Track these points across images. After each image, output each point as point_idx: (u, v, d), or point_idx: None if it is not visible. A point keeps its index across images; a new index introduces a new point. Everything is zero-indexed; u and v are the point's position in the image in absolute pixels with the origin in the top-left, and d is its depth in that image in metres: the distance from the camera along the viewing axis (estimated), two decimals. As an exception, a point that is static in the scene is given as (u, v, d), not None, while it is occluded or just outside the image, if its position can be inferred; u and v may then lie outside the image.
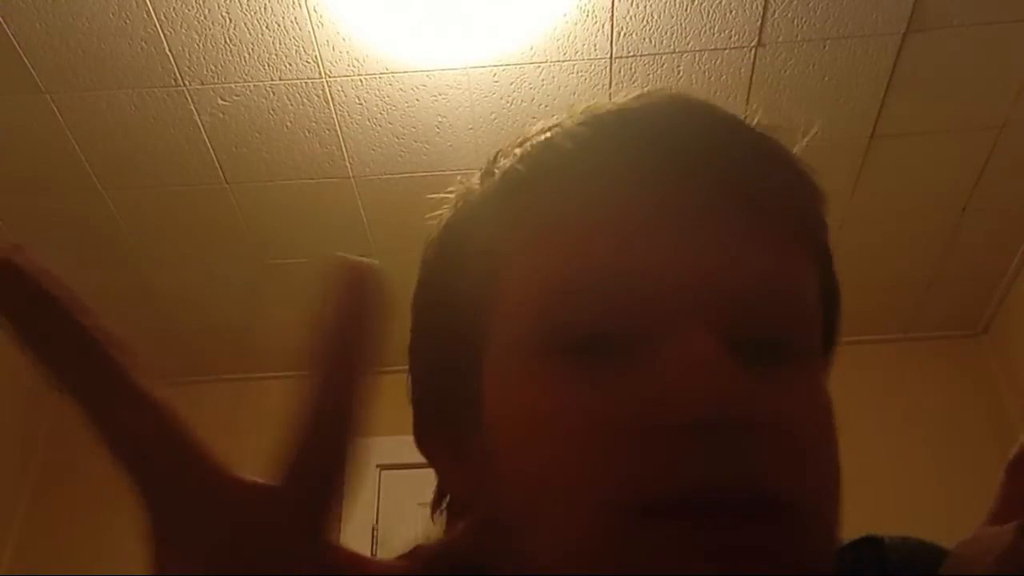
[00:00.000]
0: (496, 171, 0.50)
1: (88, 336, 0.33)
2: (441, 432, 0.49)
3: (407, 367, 0.53)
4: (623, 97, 0.49)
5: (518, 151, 0.50)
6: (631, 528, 0.38)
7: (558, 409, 0.41)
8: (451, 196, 0.52)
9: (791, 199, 0.47)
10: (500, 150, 0.52)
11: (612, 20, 2.04)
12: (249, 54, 2.07)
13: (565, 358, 0.42)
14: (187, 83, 2.13)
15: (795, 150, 0.51)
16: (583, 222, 0.44)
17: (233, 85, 2.14)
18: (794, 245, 0.46)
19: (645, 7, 2.02)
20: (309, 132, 2.26)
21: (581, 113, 0.49)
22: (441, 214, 0.52)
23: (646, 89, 0.49)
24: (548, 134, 0.49)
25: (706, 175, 0.44)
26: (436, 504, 0.52)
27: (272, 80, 2.13)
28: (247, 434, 2.98)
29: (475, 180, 0.51)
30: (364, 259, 0.33)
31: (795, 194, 0.48)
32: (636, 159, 0.45)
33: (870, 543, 0.55)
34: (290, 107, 2.19)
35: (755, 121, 0.51)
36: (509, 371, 0.44)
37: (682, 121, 0.47)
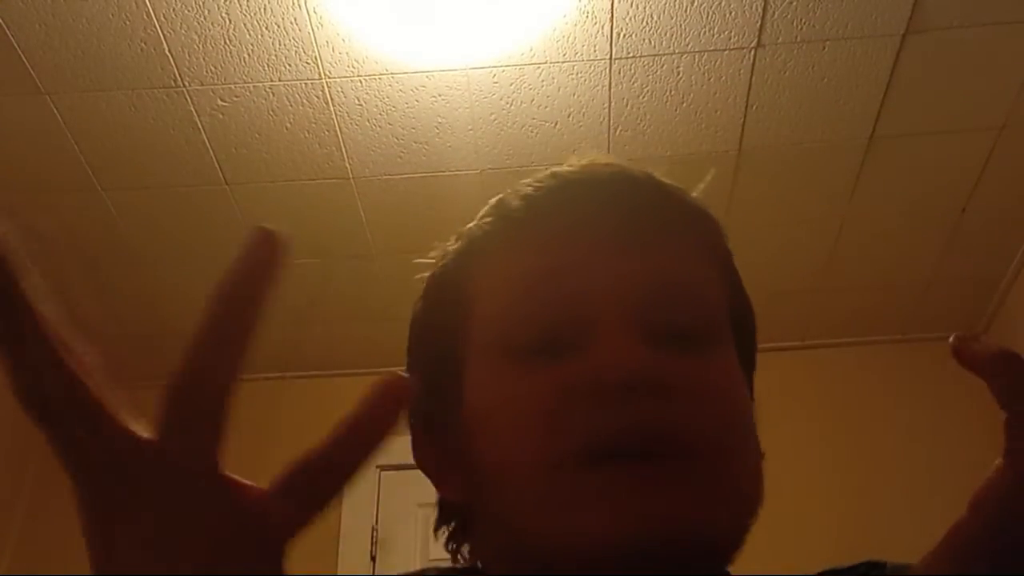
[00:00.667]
0: (466, 233, 0.63)
1: (15, 289, 0.36)
2: (433, 446, 0.60)
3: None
4: (576, 165, 0.62)
5: (484, 212, 0.63)
6: (575, 475, 0.50)
7: (514, 397, 0.54)
8: (435, 253, 0.65)
9: (694, 226, 0.61)
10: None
11: (612, 21, 2.04)
12: (249, 55, 2.07)
13: (520, 359, 0.54)
14: (187, 84, 2.13)
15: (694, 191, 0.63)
16: (530, 257, 0.58)
17: (233, 86, 2.14)
18: (697, 258, 0.59)
19: (645, 8, 2.02)
20: (309, 133, 2.26)
21: (537, 181, 0.62)
22: (426, 272, 0.65)
23: (588, 160, 0.63)
24: (502, 197, 0.62)
25: (625, 212, 0.58)
26: (440, 522, 0.62)
27: (272, 81, 2.13)
28: (247, 434, 2.98)
29: (451, 242, 0.64)
30: (275, 231, 0.37)
31: (697, 222, 0.61)
32: (571, 210, 0.58)
33: (872, 567, 0.59)
34: (290, 108, 2.20)
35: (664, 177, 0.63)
36: (480, 375, 0.57)
37: (607, 179, 0.60)
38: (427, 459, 0.61)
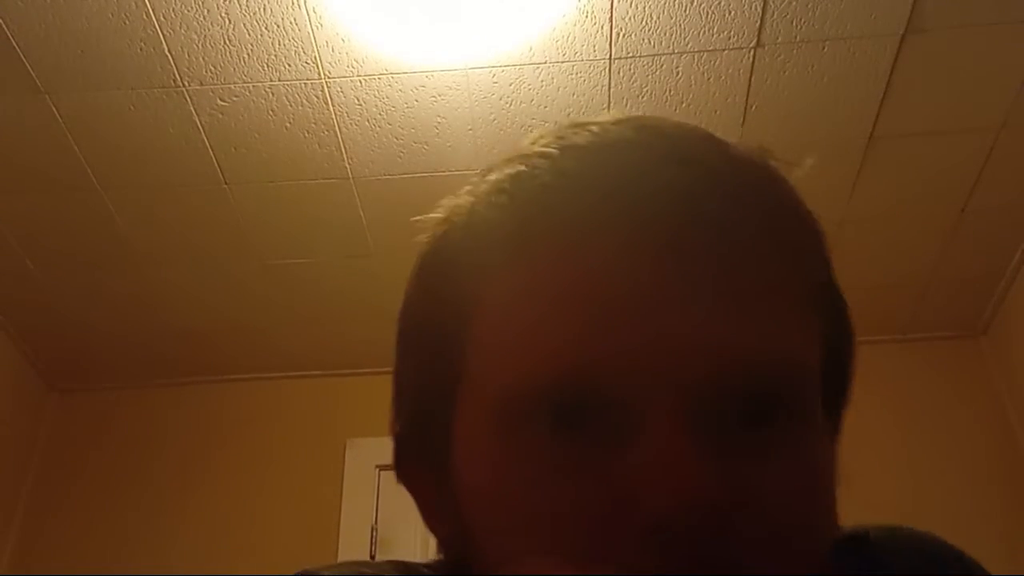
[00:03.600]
0: (475, 196, 0.48)
1: None
2: (421, 471, 0.49)
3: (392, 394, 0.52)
4: (600, 137, 0.45)
5: (493, 178, 0.47)
6: None
7: (523, 495, 0.40)
8: (434, 218, 0.50)
9: (778, 252, 0.44)
10: (484, 169, 0.49)
11: (611, 21, 2.04)
12: (248, 55, 2.07)
13: (531, 430, 0.41)
14: (186, 83, 2.13)
15: (792, 178, 0.47)
16: (547, 281, 0.42)
17: (232, 86, 2.14)
18: (784, 305, 0.43)
19: (644, 8, 2.02)
20: (308, 133, 2.26)
21: (560, 138, 0.46)
22: (424, 239, 0.50)
23: (624, 122, 0.46)
24: (522, 166, 0.46)
25: (678, 244, 0.41)
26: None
27: (271, 81, 2.13)
28: (247, 434, 2.99)
29: (458, 201, 0.49)
30: None
31: (783, 245, 0.44)
32: (613, 219, 0.42)
33: (856, 541, 0.55)
34: (289, 108, 2.20)
35: (749, 142, 0.46)
36: (477, 434, 0.43)
37: (666, 159, 0.43)
38: (412, 482, 0.51)
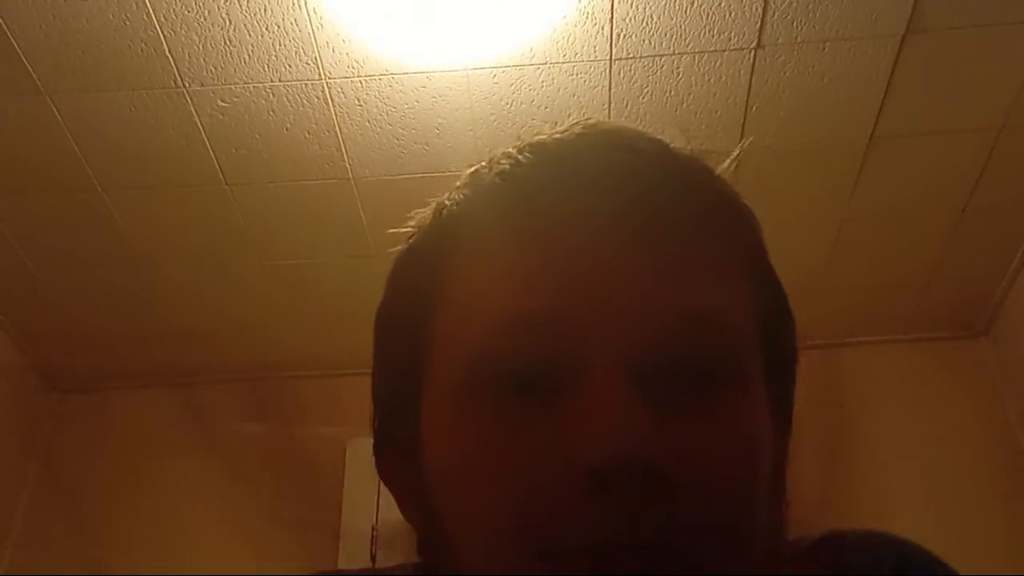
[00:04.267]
0: (441, 208, 0.52)
1: None
2: (395, 462, 0.52)
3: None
4: (557, 135, 0.50)
5: (459, 184, 0.52)
6: (536, 565, 0.41)
7: (479, 457, 0.44)
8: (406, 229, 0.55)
9: (721, 223, 0.48)
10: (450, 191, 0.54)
11: (612, 22, 2.04)
12: (249, 55, 2.07)
13: (488, 403, 0.44)
14: (187, 84, 2.13)
15: (720, 171, 0.52)
16: (502, 268, 0.47)
17: (233, 86, 2.14)
18: (723, 272, 0.48)
19: (645, 9, 2.02)
20: (309, 133, 2.26)
21: (518, 153, 0.50)
22: (399, 246, 0.55)
23: (577, 124, 0.51)
24: (489, 176, 0.51)
25: (631, 208, 0.46)
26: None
27: (272, 81, 2.13)
28: (247, 434, 2.98)
29: (426, 213, 0.53)
30: None
31: (725, 217, 0.49)
32: (557, 201, 0.46)
33: (832, 542, 0.55)
34: (290, 108, 2.20)
35: (680, 144, 0.52)
36: (440, 412, 0.47)
37: (606, 158, 0.48)
38: (388, 475, 0.54)
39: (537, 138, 0.51)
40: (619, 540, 0.40)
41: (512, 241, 0.47)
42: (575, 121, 0.51)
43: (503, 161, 0.50)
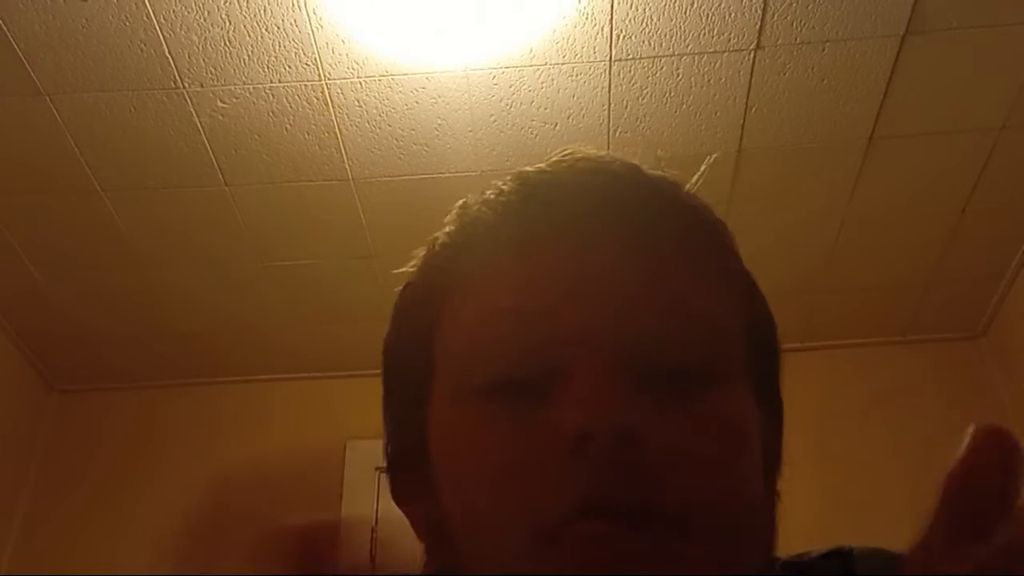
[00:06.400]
0: (435, 240, 0.56)
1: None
2: (409, 487, 0.55)
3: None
4: (539, 166, 0.54)
5: (449, 218, 0.56)
6: (537, 552, 0.43)
7: (476, 452, 0.47)
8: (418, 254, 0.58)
9: (696, 236, 0.52)
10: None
11: (611, 23, 2.04)
12: (249, 56, 2.07)
13: (482, 403, 0.47)
14: (186, 85, 2.13)
15: (689, 186, 0.55)
16: (493, 286, 0.50)
17: (232, 87, 2.14)
18: (700, 277, 0.50)
19: (644, 10, 2.02)
20: (308, 134, 2.26)
21: (503, 184, 0.54)
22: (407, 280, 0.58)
23: (555, 155, 0.54)
24: (476, 204, 0.55)
25: (608, 226, 0.49)
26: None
27: (272, 82, 2.13)
28: (245, 435, 2.99)
29: (422, 251, 0.57)
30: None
31: (700, 230, 0.52)
32: (539, 226, 0.50)
33: (839, 555, 0.55)
34: (289, 109, 2.20)
35: (658, 169, 0.55)
36: (442, 419, 0.50)
37: (584, 182, 0.51)
38: (402, 497, 0.57)
39: (521, 171, 0.54)
40: (601, 498, 0.42)
41: (502, 252, 0.50)
42: (555, 154, 0.55)
43: (488, 192, 0.54)
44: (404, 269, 0.59)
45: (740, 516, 0.46)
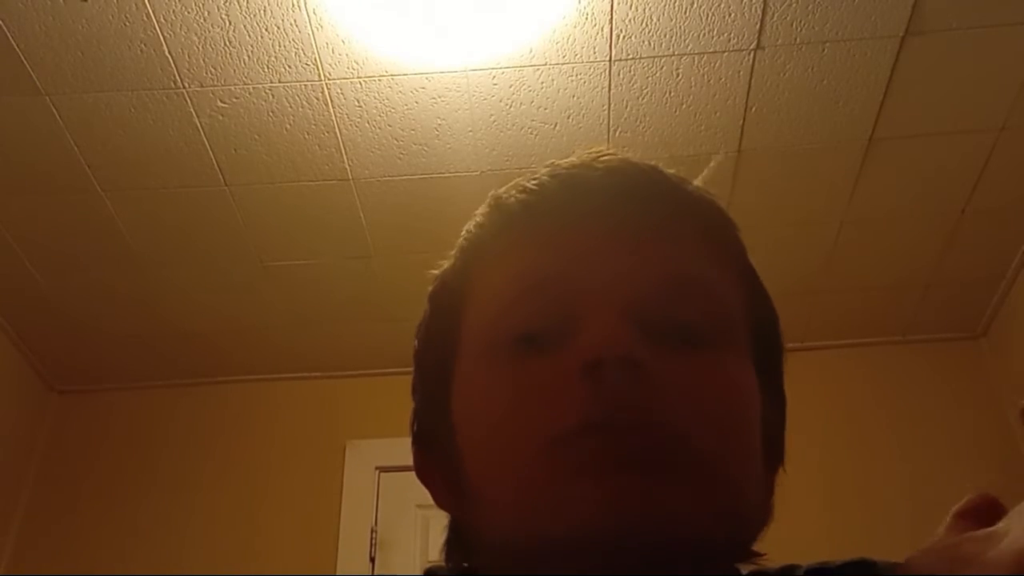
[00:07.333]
0: (464, 234, 0.61)
1: None
2: (432, 458, 0.58)
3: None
4: (576, 158, 0.59)
5: (482, 209, 0.61)
6: (546, 455, 0.47)
7: (492, 387, 0.52)
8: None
9: (702, 220, 0.57)
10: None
11: (611, 23, 2.04)
12: (249, 56, 2.08)
13: (503, 352, 0.52)
14: (186, 85, 2.13)
15: (699, 180, 0.60)
16: (524, 257, 0.55)
17: (232, 87, 2.14)
18: (705, 254, 0.55)
19: (644, 10, 2.02)
20: (308, 134, 2.26)
21: (524, 181, 0.59)
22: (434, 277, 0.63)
23: (594, 150, 0.59)
24: (509, 191, 0.59)
25: (625, 206, 0.55)
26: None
27: (272, 82, 2.13)
28: (245, 435, 2.99)
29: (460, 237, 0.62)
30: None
31: (705, 216, 0.57)
32: (569, 206, 0.55)
33: (864, 565, 0.56)
34: (289, 109, 2.20)
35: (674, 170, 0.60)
36: (466, 374, 0.55)
37: (607, 172, 0.57)
38: (423, 470, 0.59)
39: (552, 161, 0.59)
40: (608, 414, 0.46)
41: (531, 238, 0.55)
42: (586, 154, 0.59)
43: (520, 181, 0.59)
44: (435, 268, 0.63)
45: (737, 463, 0.49)
